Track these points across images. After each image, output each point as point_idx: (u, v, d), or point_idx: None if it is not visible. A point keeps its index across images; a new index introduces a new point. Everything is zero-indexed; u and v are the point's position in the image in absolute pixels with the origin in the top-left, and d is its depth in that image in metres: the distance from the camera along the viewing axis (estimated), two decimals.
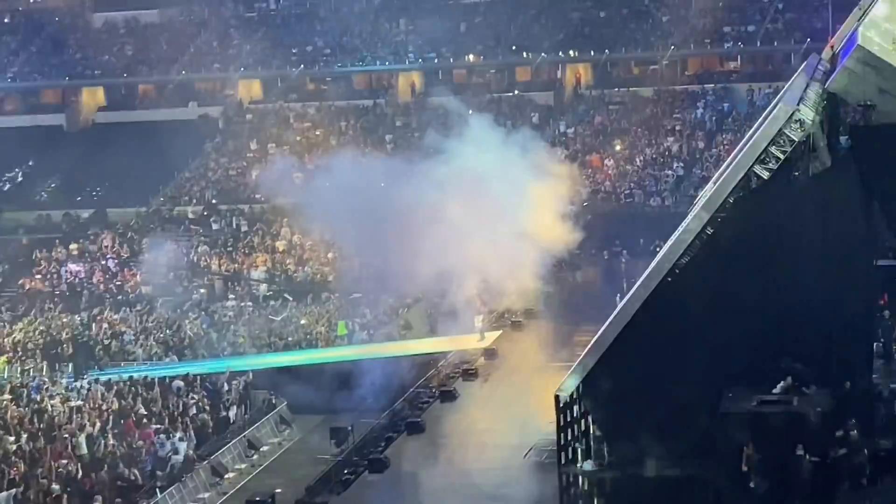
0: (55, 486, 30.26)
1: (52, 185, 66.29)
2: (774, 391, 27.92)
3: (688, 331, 28.92)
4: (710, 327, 28.94)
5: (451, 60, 70.16)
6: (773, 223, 28.82)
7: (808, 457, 26.29)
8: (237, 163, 66.73)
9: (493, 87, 69.73)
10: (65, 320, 49.81)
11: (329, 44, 71.64)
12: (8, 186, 66.95)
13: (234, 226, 60.48)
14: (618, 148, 63.12)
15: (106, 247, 59.49)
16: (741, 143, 36.23)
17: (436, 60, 69.95)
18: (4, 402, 38.09)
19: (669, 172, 60.56)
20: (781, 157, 28.90)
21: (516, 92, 68.64)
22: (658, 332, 28.98)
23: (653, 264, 30.65)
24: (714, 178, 36.06)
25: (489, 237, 43.97)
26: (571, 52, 68.48)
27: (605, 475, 29.30)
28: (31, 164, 68.30)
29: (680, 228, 30.65)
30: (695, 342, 28.86)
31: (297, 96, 70.55)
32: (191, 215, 62.75)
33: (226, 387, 39.64)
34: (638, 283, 30.14)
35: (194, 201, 64.29)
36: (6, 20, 79.26)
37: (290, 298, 51.17)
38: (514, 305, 46.86)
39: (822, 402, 27.37)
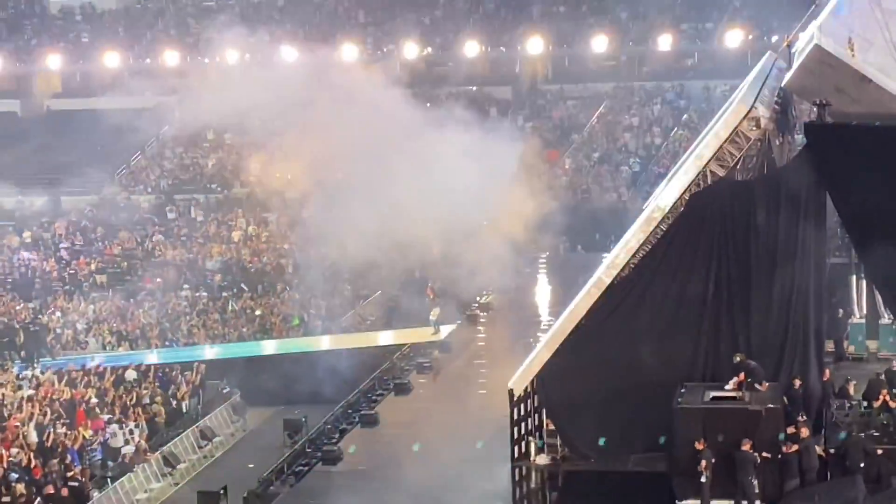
0: (6, 475, 30.06)
1: (5, 172, 65.63)
2: (727, 387, 28.07)
3: (642, 326, 29.07)
4: (665, 323, 29.10)
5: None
6: (728, 220, 28.98)
7: (758, 453, 26.47)
8: (193, 152, 66.38)
9: (451, 80, 69.67)
10: (17, 308, 49.42)
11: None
12: None
13: (190, 215, 60.16)
14: (575, 143, 63.30)
15: (59, 235, 59.03)
16: (697, 140, 36.40)
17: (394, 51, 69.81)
18: None
19: (625, 168, 60.79)
20: (737, 154, 29.08)
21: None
22: (612, 327, 29.11)
23: (608, 259, 30.74)
24: (670, 175, 36.20)
25: (449, 226, 43.95)
26: (530, 47, 68.52)
27: (559, 469, 29.38)
28: None
29: (635, 224, 30.76)
30: (649, 338, 29.01)
31: None
32: (145, 204, 62.37)
33: (179, 377, 39.49)
34: (593, 278, 30.22)
35: (149, 190, 63.92)
36: None
37: (245, 289, 51.00)
38: (471, 297, 46.91)
39: (774, 398, 27.55)
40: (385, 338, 44.35)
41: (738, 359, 28.19)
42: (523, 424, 29.78)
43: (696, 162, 29.40)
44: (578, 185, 59.97)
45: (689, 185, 29.18)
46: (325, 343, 43.80)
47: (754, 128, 28.68)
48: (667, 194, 30.05)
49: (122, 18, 74.98)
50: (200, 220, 59.59)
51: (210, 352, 44.03)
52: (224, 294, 50.73)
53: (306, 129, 48.76)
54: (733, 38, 64.74)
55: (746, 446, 26.36)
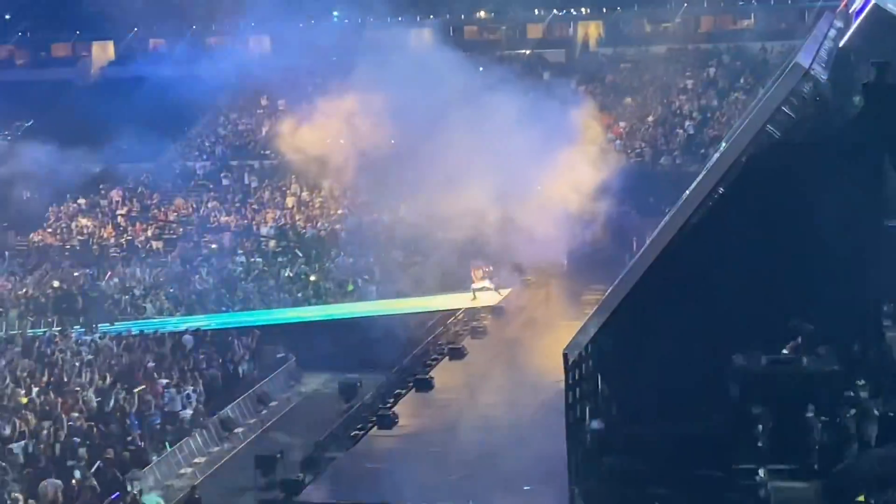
0: (66, 439, 30.45)
1: (63, 139, 66.16)
2: (784, 351, 27.86)
3: (697, 290, 28.84)
4: (720, 287, 28.85)
5: (462, 17, 69.85)
6: (785, 183, 28.69)
7: (817, 417, 26.28)
8: (247, 118, 66.58)
9: (504, 44, 69.41)
10: (76, 274, 49.92)
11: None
12: (18, 139, 66.77)
13: (245, 181, 60.41)
14: (629, 106, 62.89)
15: (116, 202, 59.50)
16: (754, 103, 36.05)
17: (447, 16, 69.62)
18: (15, 356, 38.29)
19: (680, 131, 60.34)
20: (794, 116, 28.75)
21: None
22: (667, 292, 28.90)
23: (663, 223, 30.54)
24: (726, 138, 35.89)
25: (504, 190, 43.96)
26: (583, 10, 68.07)
27: (614, 433, 29.29)
28: (36, 118, 68.15)
29: (691, 188, 30.53)
30: (704, 302, 28.78)
31: (308, 51, 70.03)
32: (200, 171, 62.68)
33: (235, 342, 39.77)
34: (647, 242, 30.05)
35: (204, 157, 64.21)
36: None
37: (300, 254, 51.20)
38: (526, 262, 46.87)
39: (832, 362, 27.32)
40: (439, 302, 44.38)
41: (794, 322, 27.97)
42: (578, 389, 29.71)
43: (752, 124, 29.10)
44: (633, 149, 59.61)
45: (745, 148, 28.90)
46: (378, 308, 43.91)
47: (812, 89, 28.33)
48: (723, 157, 29.78)
49: None
50: (255, 186, 59.84)
51: (265, 317, 44.30)
52: (279, 259, 50.98)
53: (359, 93, 48.87)
54: None
55: (806, 411, 26.19)
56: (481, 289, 44.37)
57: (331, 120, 56.31)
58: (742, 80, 63.02)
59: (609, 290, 30.35)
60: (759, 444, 26.39)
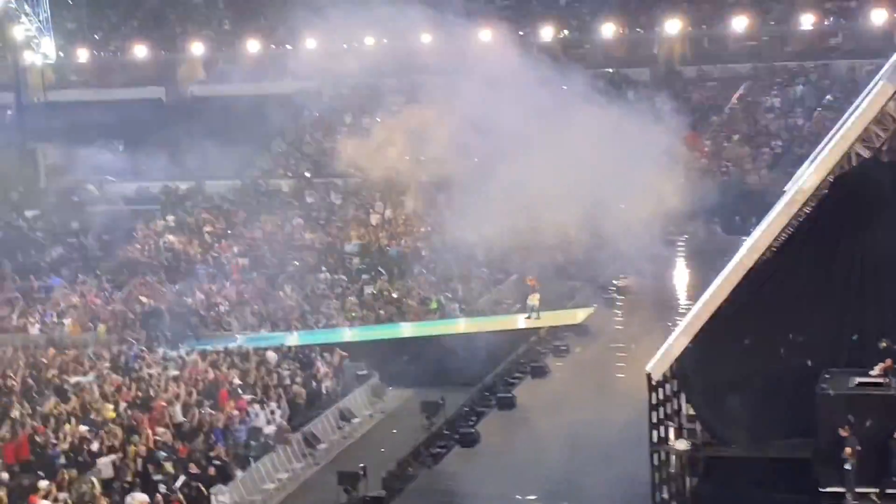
0: (152, 454, 30.78)
1: (151, 158, 67.14)
2: (872, 373, 27.46)
3: (784, 310, 28.55)
4: (807, 307, 28.55)
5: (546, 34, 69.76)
6: (873, 202, 28.31)
7: None
8: (331, 136, 67.03)
9: (588, 61, 69.22)
10: (163, 290, 50.52)
11: None
12: (110, 158, 67.90)
13: (329, 199, 60.80)
14: (714, 125, 62.46)
15: (203, 218, 60.18)
16: (841, 121, 35.60)
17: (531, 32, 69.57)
18: (104, 370, 38.84)
19: (767, 150, 59.78)
20: (883, 135, 28.41)
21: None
22: (754, 311, 28.65)
23: (749, 242, 30.27)
24: (813, 156, 35.49)
25: (588, 209, 43.75)
26: (668, 28, 67.76)
27: (698, 454, 29.06)
28: (128, 137, 69.24)
29: (777, 207, 30.23)
30: (791, 321, 28.50)
31: (394, 70, 70.43)
32: (285, 188, 63.21)
33: (318, 359, 39.98)
34: (734, 260, 29.79)
35: (289, 174, 64.74)
36: None
37: (383, 272, 51.38)
38: (609, 281, 46.72)
39: None
40: (522, 321, 44.29)
41: (883, 344, 27.57)
42: (662, 409, 29.51)
43: (840, 143, 28.79)
44: (718, 168, 59.14)
45: (833, 167, 28.59)
46: (461, 326, 43.93)
47: None
48: (810, 176, 29.46)
49: (264, 5, 75.92)
50: (339, 204, 60.18)
51: (348, 334, 44.49)
52: (363, 277, 51.22)
53: (443, 111, 48.96)
54: (878, 16, 63.15)
55: (893, 434, 25.79)
56: (532, 309, 44.00)
57: (413, 136, 56.59)
58: (829, 98, 62.30)
59: (694, 310, 30.13)
60: (847, 468, 26.02)
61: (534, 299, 44.20)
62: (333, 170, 63.25)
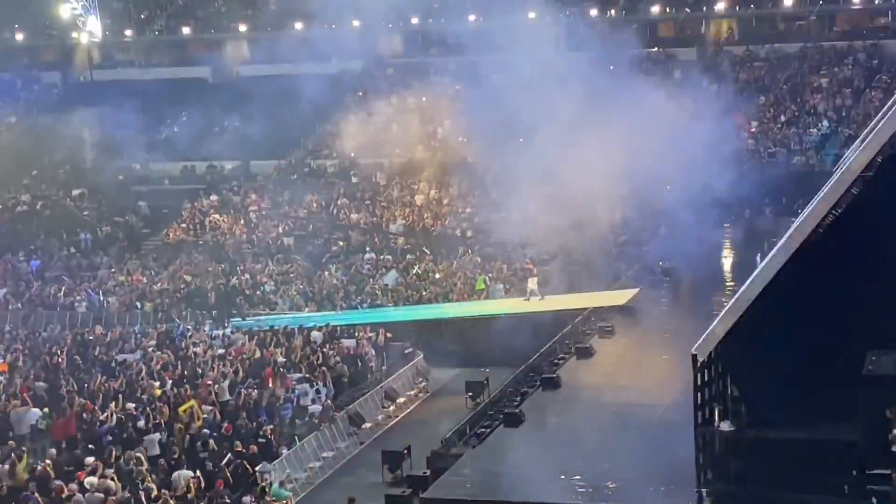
0: (198, 432, 31.02)
1: (197, 137, 67.42)
2: None
3: (830, 291, 28.33)
4: (853, 288, 28.32)
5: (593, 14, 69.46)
6: None
7: None
8: (377, 116, 67.00)
9: (635, 42, 68.82)
10: (208, 269, 50.83)
11: None
12: (161, 137, 68.34)
13: (373, 179, 60.87)
14: (762, 105, 61.98)
15: (248, 198, 60.42)
16: (891, 102, 35.25)
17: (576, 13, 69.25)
18: (150, 349, 39.17)
19: (815, 131, 59.27)
20: None
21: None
22: (800, 293, 28.44)
23: (796, 223, 30.06)
24: (862, 137, 35.16)
25: (634, 189, 43.70)
26: (716, 7, 67.30)
27: (743, 436, 28.94)
28: (174, 116, 69.62)
29: (825, 188, 30.01)
30: (837, 303, 28.29)
31: (438, 50, 70.42)
32: (330, 168, 63.34)
33: (363, 338, 40.10)
34: (780, 242, 29.59)
35: (334, 154, 64.84)
36: None
37: (428, 252, 51.44)
38: (655, 262, 46.59)
39: None
40: (566, 301, 44.21)
41: None
42: (707, 390, 29.40)
43: (889, 124, 28.49)
44: (766, 148, 58.71)
45: (881, 148, 28.31)
46: (506, 306, 43.91)
47: None
48: (858, 157, 29.21)
49: None
50: (384, 184, 60.25)
51: (393, 314, 44.59)
52: (407, 257, 51.29)
53: (488, 91, 48.91)
54: None
55: None
56: (531, 293, 43.82)
57: (458, 117, 56.56)
58: (878, 79, 61.65)
59: (740, 291, 29.98)
60: (893, 449, 25.84)
61: (532, 283, 44.11)
62: (378, 150, 63.39)
